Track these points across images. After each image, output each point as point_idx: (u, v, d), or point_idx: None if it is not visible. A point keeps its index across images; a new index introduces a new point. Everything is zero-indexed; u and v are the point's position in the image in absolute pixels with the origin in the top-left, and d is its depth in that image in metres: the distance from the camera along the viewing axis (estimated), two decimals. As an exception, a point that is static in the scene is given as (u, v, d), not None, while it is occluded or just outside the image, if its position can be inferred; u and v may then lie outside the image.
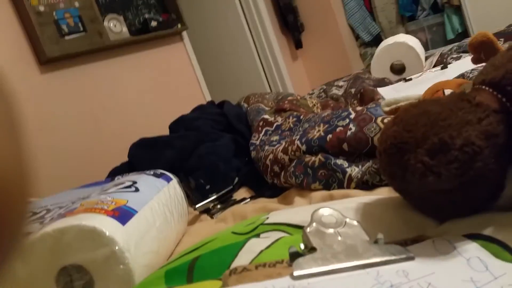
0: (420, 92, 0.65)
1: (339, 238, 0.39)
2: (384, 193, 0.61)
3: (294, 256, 0.37)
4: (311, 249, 0.38)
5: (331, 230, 0.40)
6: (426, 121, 0.43)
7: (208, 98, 2.55)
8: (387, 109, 0.59)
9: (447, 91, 0.54)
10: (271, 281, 0.35)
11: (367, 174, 0.66)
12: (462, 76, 0.88)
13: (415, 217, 0.47)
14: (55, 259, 0.51)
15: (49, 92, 2.01)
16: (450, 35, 2.82)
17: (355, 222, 0.41)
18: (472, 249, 0.38)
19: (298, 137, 0.82)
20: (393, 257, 0.37)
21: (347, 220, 0.41)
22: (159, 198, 0.69)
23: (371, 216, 0.48)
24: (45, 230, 0.51)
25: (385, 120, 0.67)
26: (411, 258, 0.37)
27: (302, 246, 0.39)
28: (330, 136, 0.74)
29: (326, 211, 0.42)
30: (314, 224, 0.40)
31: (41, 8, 1.98)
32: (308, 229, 0.40)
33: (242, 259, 0.44)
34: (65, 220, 0.54)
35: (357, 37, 3.16)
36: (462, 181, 0.40)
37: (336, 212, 0.42)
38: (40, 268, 0.51)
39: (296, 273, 0.35)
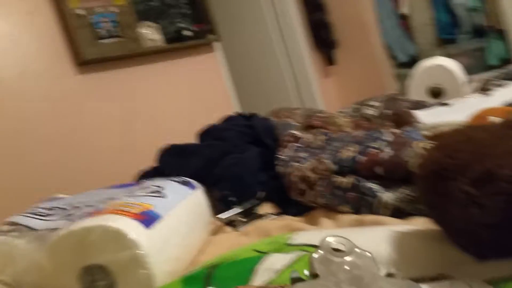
0: (461, 118, 0.63)
1: (346, 267, 0.38)
2: (419, 223, 0.59)
3: (296, 281, 0.36)
4: (314, 276, 0.37)
5: (338, 259, 0.39)
6: (471, 148, 0.40)
7: (237, 109, 2.56)
8: (427, 133, 0.57)
9: (493, 118, 0.51)
10: None
11: (402, 201, 0.64)
12: (508, 104, 0.84)
13: (452, 253, 0.44)
14: (80, 257, 0.51)
15: (84, 93, 2.06)
16: (493, 61, 2.69)
17: (367, 253, 0.40)
18: None
19: (327, 155, 0.80)
20: None
21: (358, 250, 0.40)
22: (184, 206, 0.69)
23: (404, 247, 0.46)
24: (72, 227, 0.52)
25: (424, 145, 0.65)
26: None
27: (306, 272, 0.38)
28: (362, 157, 0.72)
29: (336, 239, 0.41)
30: (321, 251, 0.39)
31: (80, 11, 2.05)
32: (314, 255, 0.39)
33: (261, 276, 0.42)
34: (92, 219, 0.54)
35: (392, 57, 3.09)
36: (508, 215, 0.37)
37: (346, 240, 0.41)
38: (65, 264, 0.51)
39: None
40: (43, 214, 0.64)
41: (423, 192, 0.44)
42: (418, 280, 0.38)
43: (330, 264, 0.38)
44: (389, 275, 0.38)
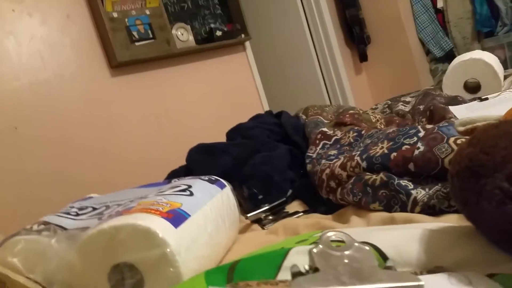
0: (499, 113, 0.60)
1: (345, 261, 0.38)
2: (452, 220, 0.56)
3: (296, 275, 0.37)
4: (314, 269, 0.37)
5: (337, 253, 0.39)
6: (508, 143, 0.38)
7: (267, 108, 2.56)
8: (461, 129, 0.54)
9: (533, 113, 0.48)
10: None
11: (435, 198, 0.61)
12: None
13: (487, 251, 0.42)
14: (109, 256, 0.52)
15: (118, 94, 2.12)
16: (533, 54, 2.60)
17: (366, 247, 0.40)
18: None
19: (358, 152, 0.78)
20: (399, 284, 0.35)
21: (357, 244, 0.40)
22: (212, 204, 0.69)
23: (436, 245, 0.44)
24: (101, 226, 0.53)
25: (459, 141, 0.62)
26: (420, 287, 0.35)
27: (306, 266, 0.38)
28: (394, 154, 0.70)
29: (336, 234, 0.41)
30: (321, 245, 0.40)
31: (115, 15, 2.11)
32: (314, 250, 0.39)
33: (290, 263, 0.42)
34: (121, 218, 0.55)
35: (427, 52, 3.01)
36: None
37: (346, 235, 0.41)
38: (95, 264, 0.52)
39: None
40: (74, 214, 0.66)
41: (457, 189, 0.42)
42: (416, 272, 0.39)
43: (330, 258, 0.38)
44: (387, 267, 0.38)
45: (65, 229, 0.60)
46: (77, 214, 0.66)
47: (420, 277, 0.37)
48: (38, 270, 0.51)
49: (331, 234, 0.41)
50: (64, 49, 2.00)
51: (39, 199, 1.79)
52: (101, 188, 1.00)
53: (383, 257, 0.41)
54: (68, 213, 0.66)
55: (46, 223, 0.61)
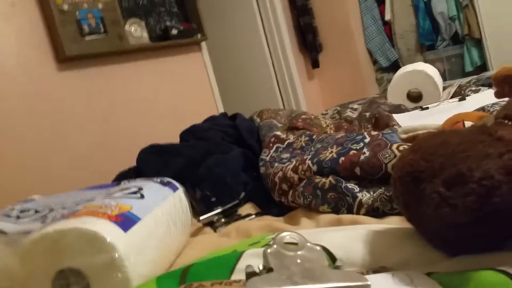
0: (437, 122, 0.64)
1: (298, 261, 0.39)
2: (395, 222, 0.60)
3: (251, 275, 0.38)
4: (268, 269, 0.38)
5: (291, 253, 0.41)
6: (445, 151, 0.42)
7: (221, 110, 2.55)
8: (404, 136, 0.58)
9: (467, 123, 0.52)
10: None
11: (379, 201, 0.65)
12: (482, 109, 0.87)
13: (426, 251, 0.45)
14: (54, 260, 0.50)
15: (65, 90, 2.03)
16: (469, 68, 2.81)
17: (317, 247, 0.42)
18: (428, 285, 0.38)
19: (309, 156, 0.81)
20: (348, 284, 0.37)
21: (309, 244, 0.42)
22: (164, 207, 0.68)
23: (380, 246, 0.46)
24: (46, 229, 0.51)
25: (401, 148, 0.66)
26: (366, 286, 0.37)
27: (260, 266, 0.40)
28: (342, 158, 0.73)
29: (289, 234, 0.43)
30: (275, 245, 0.41)
31: (65, 7, 2.02)
32: (268, 250, 0.40)
33: (244, 265, 0.43)
34: (67, 222, 0.53)
35: (374, 62, 3.16)
36: (478, 215, 0.39)
37: (299, 236, 0.43)
38: (38, 268, 0.50)
39: None
40: (15, 216, 0.63)
41: (399, 193, 0.45)
42: (363, 272, 0.41)
43: (284, 258, 0.39)
44: (336, 267, 0.40)
45: (5, 233, 0.56)
46: (18, 217, 0.63)
47: (367, 276, 0.39)
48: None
49: (285, 235, 0.42)
50: (7, 39, 1.88)
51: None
52: (45, 190, 0.96)
53: (332, 258, 0.43)
54: (8, 216, 0.63)
55: (-17, 227, 0.57)
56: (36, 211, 0.66)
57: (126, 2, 2.35)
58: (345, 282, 0.37)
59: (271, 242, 0.42)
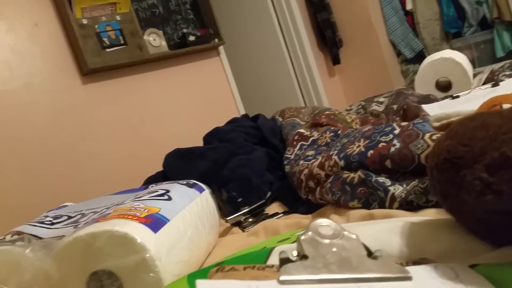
0: (471, 108, 0.61)
1: (334, 249, 0.38)
2: (430, 215, 0.57)
3: (285, 261, 0.36)
4: (303, 257, 0.37)
5: (326, 241, 0.39)
6: (485, 134, 0.39)
7: (242, 112, 2.55)
8: (436, 124, 0.56)
9: (506, 106, 0.50)
10: (256, 282, 0.34)
11: (412, 194, 0.62)
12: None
13: (468, 241, 0.42)
14: (87, 263, 0.50)
15: (90, 102, 2.07)
16: (500, 53, 2.66)
17: (353, 236, 0.40)
18: (475, 280, 0.35)
19: (336, 152, 0.79)
20: (388, 275, 0.35)
21: (345, 233, 0.40)
22: (191, 208, 0.68)
23: (418, 237, 0.44)
24: (78, 234, 0.51)
25: (434, 137, 0.63)
26: (408, 278, 0.35)
27: (294, 253, 0.38)
28: (371, 151, 0.71)
29: (324, 222, 0.41)
30: (309, 232, 0.39)
31: (84, 21, 2.06)
32: (302, 237, 0.39)
33: (273, 261, 0.42)
34: (98, 225, 0.53)
35: (398, 54, 3.08)
36: (526, 201, 0.36)
37: (334, 223, 0.41)
38: (72, 272, 0.50)
39: (282, 277, 0.34)
40: (49, 223, 0.64)
41: (437, 182, 0.43)
42: (401, 263, 0.38)
43: (318, 246, 0.38)
44: (374, 257, 0.38)
45: (40, 238, 0.57)
46: (52, 223, 0.64)
47: (407, 268, 0.37)
48: (12, 282, 0.48)
49: (320, 222, 0.41)
50: (33, 58, 1.95)
51: (12, 210, 1.72)
52: (77, 197, 0.97)
53: (367, 250, 0.41)
54: (43, 222, 0.64)
55: (19, 233, 0.58)
56: (69, 217, 0.67)
57: (143, 13, 2.39)
58: (384, 273, 0.35)
59: (305, 229, 0.40)
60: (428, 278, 0.36)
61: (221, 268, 0.37)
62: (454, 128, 0.43)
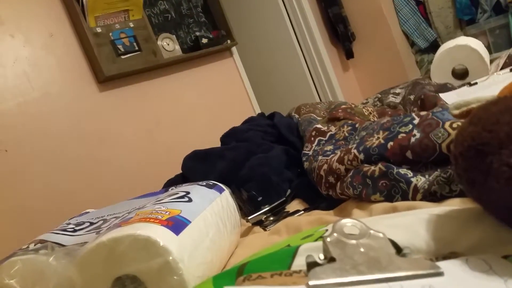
0: (491, 94, 0.59)
1: (361, 249, 0.37)
2: (455, 204, 0.56)
3: (312, 265, 0.35)
4: (330, 259, 0.36)
5: (353, 241, 0.37)
6: (510, 119, 0.37)
7: (258, 111, 2.55)
8: (456, 112, 0.54)
9: (529, 89, 0.48)
10: None
11: (435, 184, 0.61)
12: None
13: (499, 231, 0.41)
14: (110, 268, 0.50)
15: (108, 109, 2.10)
16: (517, 36, 2.62)
17: (380, 234, 0.39)
18: (509, 270, 0.34)
19: (355, 145, 0.78)
20: (419, 272, 0.34)
21: (372, 231, 0.39)
22: (212, 209, 0.67)
23: (446, 230, 0.43)
24: (100, 239, 0.51)
25: (455, 125, 0.62)
26: (440, 274, 0.34)
27: (321, 256, 0.37)
28: (391, 143, 0.69)
29: (349, 222, 0.40)
30: (335, 234, 0.38)
31: (98, 30, 2.09)
32: (328, 239, 0.38)
33: (300, 262, 0.41)
34: (120, 230, 0.53)
35: (412, 44, 3.03)
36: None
37: (359, 223, 0.40)
38: (96, 278, 0.50)
39: (311, 282, 0.33)
40: (71, 230, 0.64)
41: (462, 170, 0.41)
42: (432, 259, 0.37)
43: (345, 247, 0.37)
44: (403, 255, 0.37)
45: (63, 246, 0.58)
46: (75, 230, 0.64)
47: (438, 263, 0.36)
48: (37, 289, 0.49)
49: (345, 222, 0.40)
50: (50, 68, 1.98)
51: (34, 219, 1.76)
52: (98, 203, 0.98)
53: (395, 246, 0.40)
54: (65, 230, 0.65)
55: (43, 242, 0.59)
56: (91, 223, 0.67)
57: (155, 19, 2.41)
58: (415, 271, 0.34)
59: (329, 232, 0.39)
60: (460, 272, 0.35)
61: (248, 277, 0.37)
62: (477, 113, 0.41)
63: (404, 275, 0.34)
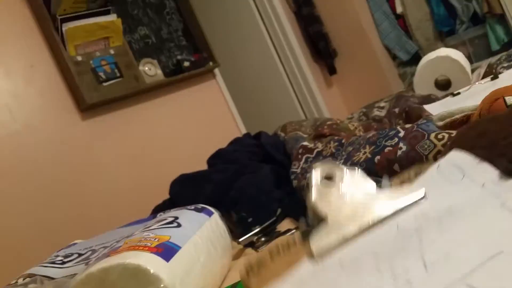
0: (473, 104, 0.61)
1: (346, 198, 0.37)
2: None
3: (307, 233, 0.36)
4: (319, 220, 0.36)
5: (335, 191, 0.38)
6: (486, 143, 0.39)
7: (244, 132, 2.55)
8: (441, 123, 0.55)
9: (509, 98, 0.49)
10: (296, 274, 0.33)
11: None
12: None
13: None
14: (100, 300, 0.49)
15: (91, 137, 2.08)
16: (495, 46, 2.68)
17: (355, 168, 0.40)
18: (484, 173, 0.35)
19: (342, 161, 0.78)
20: (405, 203, 0.35)
21: (347, 169, 0.40)
22: (202, 233, 0.66)
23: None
24: (89, 270, 0.50)
25: (440, 136, 0.63)
26: (422, 198, 0.35)
27: (310, 217, 0.38)
28: (378, 157, 0.70)
29: (322, 169, 0.41)
30: (315, 190, 0.39)
31: (79, 58, 2.09)
32: (313, 198, 0.38)
33: None
34: (109, 259, 0.52)
35: (394, 57, 3.10)
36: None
37: (332, 166, 0.41)
38: (86, 311, 0.49)
39: (316, 252, 0.33)
40: (60, 262, 0.63)
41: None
42: (405, 180, 0.39)
43: (330, 201, 0.37)
44: (380, 186, 0.38)
45: (52, 279, 0.56)
46: (63, 262, 0.63)
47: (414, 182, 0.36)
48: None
49: (319, 171, 0.40)
50: (31, 99, 1.96)
51: (21, 253, 1.71)
52: (85, 233, 0.96)
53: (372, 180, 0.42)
54: (54, 262, 0.63)
55: (31, 276, 0.57)
56: (79, 254, 0.66)
57: (136, 44, 2.42)
58: (401, 201, 0.35)
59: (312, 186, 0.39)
60: (438, 186, 0.36)
61: (250, 268, 0.36)
62: (456, 139, 0.44)
63: (394, 211, 0.34)
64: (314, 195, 0.38)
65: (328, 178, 0.39)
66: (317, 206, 0.36)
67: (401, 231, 0.32)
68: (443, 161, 0.38)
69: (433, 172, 0.37)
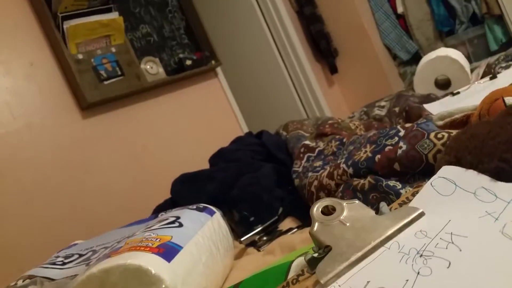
0: (472, 103, 0.60)
1: (347, 224, 0.38)
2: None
3: (312, 262, 0.36)
4: (325, 248, 0.37)
5: (335, 221, 0.39)
6: (476, 144, 0.40)
7: (246, 130, 2.55)
8: (440, 123, 0.55)
9: (508, 99, 0.49)
10: None
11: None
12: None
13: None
14: (102, 301, 0.49)
15: (92, 136, 2.07)
16: (494, 46, 2.70)
17: (355, 201, 0.41)
18: (473, 180, 0.36)
19: (343, 160, 0.78)
20: (404, 221, 0.36)
21: (345, 204, 0.40)
22: (204, 233, 0.66)
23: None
24: (90, 271, 0.50)
25: (439, 135, 0.63)
26: (421, 215, 0.36)
27: (315, 249, 0.38)
28: (378, 156, 0.70)
29: (320, 205, 0.41)
30: (316, 223, 0.39)
31: (80, 56, 2.08)
32: (314, 229, 0.39)
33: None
34: (110, 260, 0.52)
35: (394, 57, 3.10)
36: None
37: (331, 200, 0.41)
38: (87, 311, 0.49)
39: (323, 280, 0.34)
40: (60, 263, 0.63)
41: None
42: (402, 203, 0.40)
43: (333, 230, 0.38)
44: (381, 213, 0.38)
45: (52, 280, 0.56)
46: (64, 263, 0.63)
47: (411, 202, 0.37)
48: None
49: (318, 206, 0.41)
50: (31, 97, 1.96)
51: (21, 254, 1.71)
52: (86, 234, 0.96)
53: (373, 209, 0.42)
54: (54, 263, 0.63)
55: (31, 277, 0.57)
56: (80, 255, 0.66)
57: (138, 42, 2.41)
58: (401, 221, 0.35)
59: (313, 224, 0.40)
60: (435, 203, 0.36)
61: None
62: (450, 144, 0.45)
63: (394, 231, 0.35)
64: (315, 228, 0.38)
65: (328, 213, 0.40)
66: (320, 238, 0.37)
67: (403, 249, 0.33)
68: (435, 178, 0.39)
69: (428, 189, 0.38)
